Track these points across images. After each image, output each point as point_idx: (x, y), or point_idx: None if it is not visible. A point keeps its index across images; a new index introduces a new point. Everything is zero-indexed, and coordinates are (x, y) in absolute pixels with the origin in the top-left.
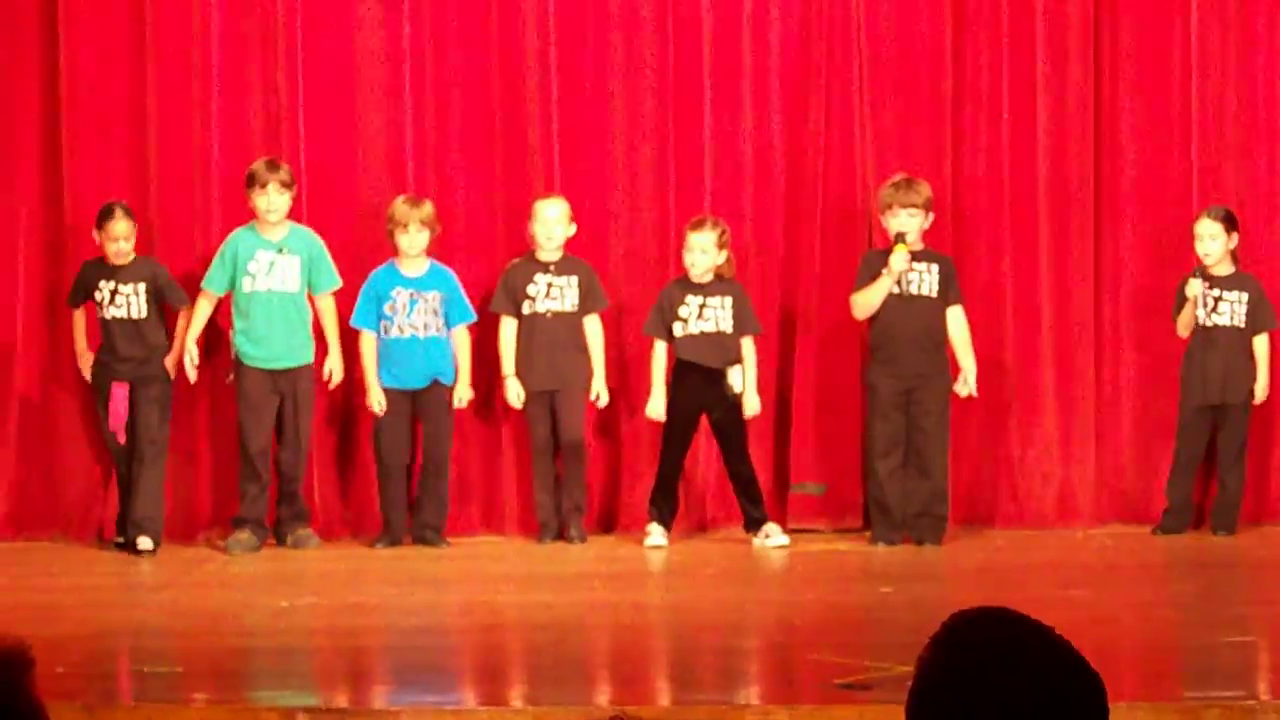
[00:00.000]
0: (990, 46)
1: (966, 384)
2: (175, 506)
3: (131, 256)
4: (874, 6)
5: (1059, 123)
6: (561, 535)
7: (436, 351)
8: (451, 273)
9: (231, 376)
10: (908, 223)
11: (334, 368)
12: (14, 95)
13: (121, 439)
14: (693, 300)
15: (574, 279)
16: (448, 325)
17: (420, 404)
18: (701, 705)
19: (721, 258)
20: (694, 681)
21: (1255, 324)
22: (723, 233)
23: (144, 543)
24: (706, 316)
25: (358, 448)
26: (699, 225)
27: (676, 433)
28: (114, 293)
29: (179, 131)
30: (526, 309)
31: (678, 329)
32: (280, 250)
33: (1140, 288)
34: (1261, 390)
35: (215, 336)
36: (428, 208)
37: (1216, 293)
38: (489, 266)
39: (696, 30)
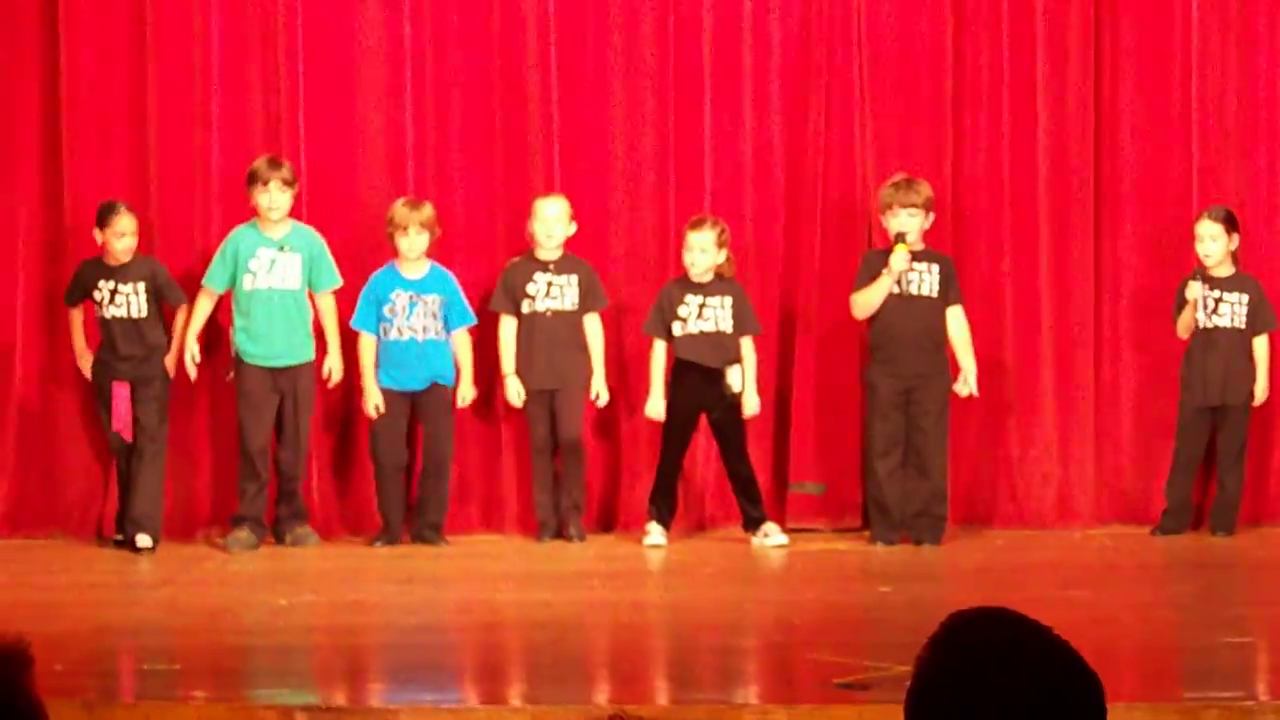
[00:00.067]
0: (990, 46)
1: (967, 384)
2: (174, 504)
3: (133, 255)
4: (874, 6)
5: (1059, 123)
6: (560, 534)
7: (436, 354)
8: (452, 276)
9: (231, 374)
10: (908, 223)
11: (333, 367)
12: (14, 95)
13: (128, 437)
14: (692, 300)
15: (574, 278)
16: (447, 328)
17: (420, 406)
18: (700, 704)
19: (721, 257)
20: (693, 681)
21: (1255, 325)
22: (722, 232)
23: (143, 540)
24: (706, 316)
25: (357, 447)
26: (698, 225)
27: (676, 432)
28: (114, 292)
29: (179, 131)
30: (526, 308)
31: (677, 328)
32: (281, 248)
33: (1140, 288)
34: (1261, 391)
35: (215, 334)
36: (427, 210)
37: (1217, 294)
38: (489, 266)
39: (696, 30)
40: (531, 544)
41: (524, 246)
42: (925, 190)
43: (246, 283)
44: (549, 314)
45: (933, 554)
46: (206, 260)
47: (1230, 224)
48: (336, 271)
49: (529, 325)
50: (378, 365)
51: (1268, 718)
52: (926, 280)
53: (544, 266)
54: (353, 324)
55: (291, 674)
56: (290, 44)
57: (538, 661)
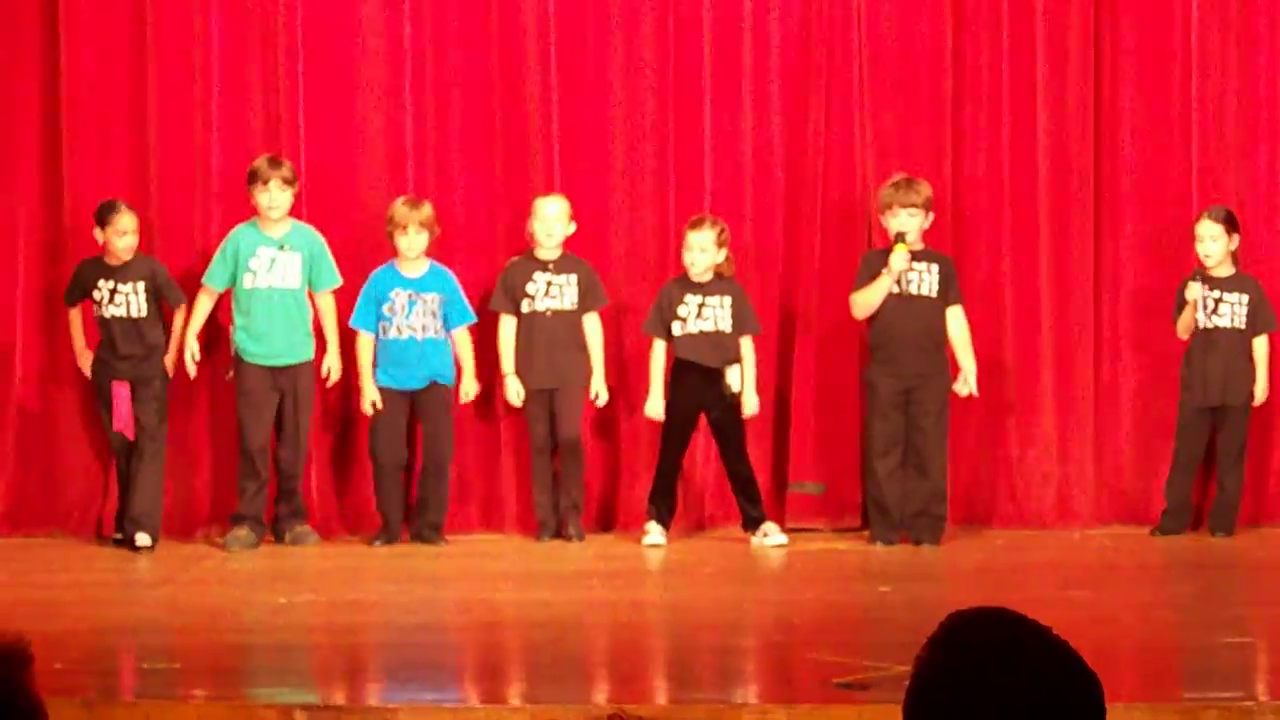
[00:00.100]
0: (990, 46)
1: (966, 384)
2: (174, 503)
3: (134, 253)
4: (874, 6)
5: (1059, 123)
6: (560, 534)
7: (435, 353)
8: (451, 274)
9: (231, 373)
10: (908, 223)
11: (333, 365)
12: (14, 95)
13: (131, 436)
14: (692, 299)
15: (573, 277)
16: (447, 327)
17: (419, 405)
18: (699, 704)
19: (721, 257)
20: (692, 680)
21: (1255, 326)
22: (721, 231)
23: (142, 539)
24: (705, 316)
25: (356, 446)
26: (698, 224)
27: (675, 432)
28: (113, 291)
29: (179, 131)
30: (526, 307)
31: (676, 328)
32: (281, 247)
33: (1140, 288)
34: (1261, 392)
35: (215, 333)
36: (427, 209)
37: (1217, 294)
38: (489, 266)
39: (696, 30)
40: (531, 543)
41: (524, 246)
42: (925, 190)
43: (246, 281)
44: (548, 313)
45: (932, 554)
46: (206, 260)
47: (1230, 224)
48: (336, 271)
49: (528, 325)
50: (377, 364)
51: (1267, 718)
52: (926, 280)
53: (544, 266)
54: (351, 323)
55: (291, 673)
56: (290, 44)
57: (537, 661)
